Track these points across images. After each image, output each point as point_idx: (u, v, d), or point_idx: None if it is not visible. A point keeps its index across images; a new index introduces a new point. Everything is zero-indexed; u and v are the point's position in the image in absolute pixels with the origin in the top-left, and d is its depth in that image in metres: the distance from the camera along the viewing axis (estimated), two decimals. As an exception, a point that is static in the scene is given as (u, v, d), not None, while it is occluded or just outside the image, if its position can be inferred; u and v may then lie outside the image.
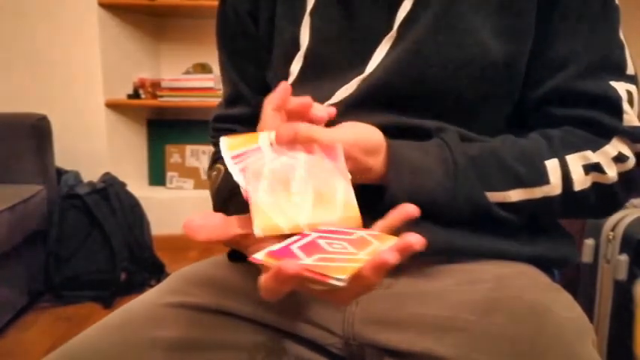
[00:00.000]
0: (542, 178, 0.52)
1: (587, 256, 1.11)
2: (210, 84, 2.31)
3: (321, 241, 0.39)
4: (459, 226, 0.53)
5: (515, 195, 0.52)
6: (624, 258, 1.04)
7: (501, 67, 0.54)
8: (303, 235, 0.40)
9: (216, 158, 0.67)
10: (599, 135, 0.54)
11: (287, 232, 0.40)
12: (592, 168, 0.53)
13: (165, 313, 0.54)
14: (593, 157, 0.53)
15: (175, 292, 0.57)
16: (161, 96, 2.30)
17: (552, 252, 0.57)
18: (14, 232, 1.57)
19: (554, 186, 0.52)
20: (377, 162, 0.49)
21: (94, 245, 1.84)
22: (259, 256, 0.37)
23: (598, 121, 0.54)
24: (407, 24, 0.54)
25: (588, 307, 1.11)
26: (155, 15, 2.46)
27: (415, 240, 0.37)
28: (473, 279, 0.53)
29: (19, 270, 1.69)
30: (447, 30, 0.53)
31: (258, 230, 0.40)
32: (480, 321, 0.49)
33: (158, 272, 1.97)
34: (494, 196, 0.52)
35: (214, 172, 0.64)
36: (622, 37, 0.56)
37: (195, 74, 2.37)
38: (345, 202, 0.42)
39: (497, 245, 0.55)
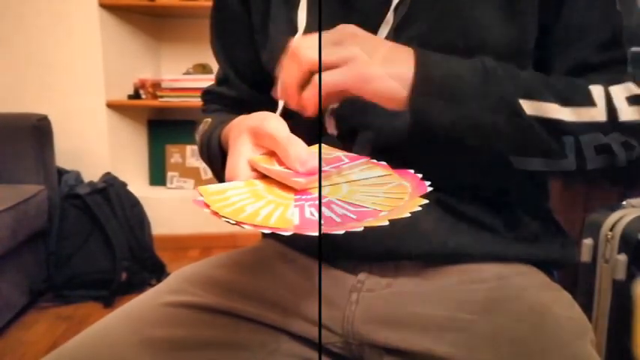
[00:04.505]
0: (587, 99, 0.47)
1: (585, 256, 1.11)
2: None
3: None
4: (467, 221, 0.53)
5: (559, 112, 0.46)
6: (623, 257, 1.04)
7: (507, 51, 0.52)
8: None
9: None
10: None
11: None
12: (636, 100, 0.47)
13: (165, 312, 0.54)
14: (635, 89, 0.48)
15: (175, 291, 0.57)
16: (162, 96, 2.29)
17: (551, 253, 0.57)
18: (15, 232, 1.57)
19: (600, 111, 0.46)
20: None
21: (94, 245, 1.84)
22: None
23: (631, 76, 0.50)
24: (404, 9, 0.52)
25: (587, 307, 1.11)
26: (155, 15, 2.46)
27: None
28: (473, 279, 0.54)
29: (19, 270, 1.69)
30: (450, 17, 0.51)
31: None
32: (479, 321, 0.49)
33: (158, 272, 1.97)
34: (532, 107, 0.46)
35: (201, 125, 0.65)
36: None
37: (195, 74, 2.37)
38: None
39: (497, 247, 0.55)
